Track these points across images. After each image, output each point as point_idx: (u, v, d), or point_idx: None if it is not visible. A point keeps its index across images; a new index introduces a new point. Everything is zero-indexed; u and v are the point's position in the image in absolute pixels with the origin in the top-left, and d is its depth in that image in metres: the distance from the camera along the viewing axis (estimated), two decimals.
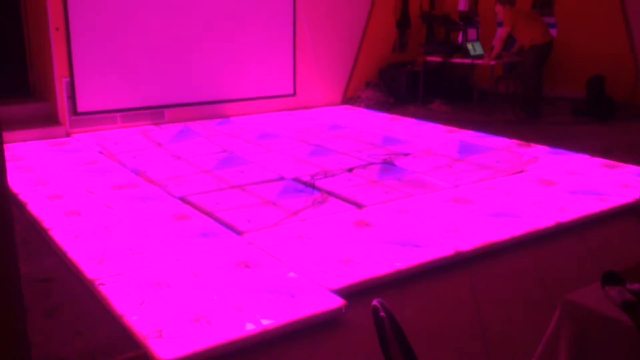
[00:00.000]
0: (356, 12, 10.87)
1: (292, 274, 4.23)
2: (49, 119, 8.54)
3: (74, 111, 8.42)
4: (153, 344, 3.38)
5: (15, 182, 6.18)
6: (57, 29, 8.15)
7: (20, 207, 5.55)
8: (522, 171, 6.69)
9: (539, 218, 5.31)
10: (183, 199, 5.74)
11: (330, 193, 5.90)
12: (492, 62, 9.99)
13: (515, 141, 8.10)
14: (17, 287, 2.28)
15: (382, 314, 1.95)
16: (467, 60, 10.44)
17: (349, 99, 11.02)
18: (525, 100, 9.74)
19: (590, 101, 9.72)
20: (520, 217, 5.32)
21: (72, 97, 8.37)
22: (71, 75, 8.31)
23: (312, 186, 6.07)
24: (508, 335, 3.67)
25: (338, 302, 3.86)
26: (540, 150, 7.63)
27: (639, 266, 2.60)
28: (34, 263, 4.48)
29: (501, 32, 9.90)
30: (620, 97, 9.73)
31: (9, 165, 6.65)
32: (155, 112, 9.04)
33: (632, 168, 6.83)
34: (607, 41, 9.95)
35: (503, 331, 3.72)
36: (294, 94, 10.34)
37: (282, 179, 6.35)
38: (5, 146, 7.53)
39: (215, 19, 9.28)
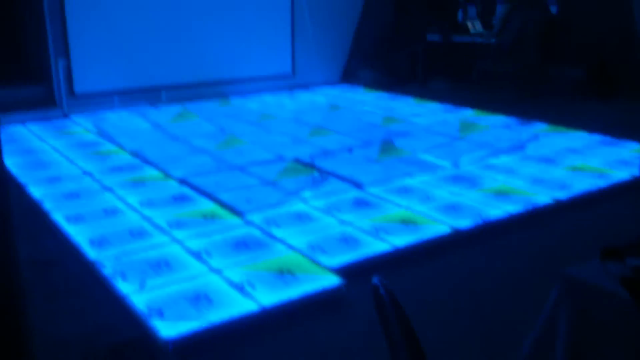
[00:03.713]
0: None
1: (292, 254, 4.23)
2: (46, 101, 8.49)
3: (70, 93, 8.39)
4: (154, 324, 3.39)
5: (14, 164, 6.18)
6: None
7: (20, 189, 5.55)
8: (521, 149, 6.68)
9: (538, 196, 5.31)
10: (182, 180, 5.73)
11: (329, 173, 5.89)
12: (492, 40, 9.93)
13: (515, 119, 8.09)
14: (17, 270, 2.28)
15: (381, 292, 1.95)
16: (467, 39, 10.38)
17: (348, 78, 10.98)
18: (525, 78, 9.69)
19: (591, 78, 9.67)
20: (520, 195, 5.32)
21: (68, 79, 8.33)
22: (67, 57, 8.27)
23: (312, 166, 6.06)
24: (507, 312, 3.68)
25: (338, 281, 3.87)
26: (540, 128, 7.61)
27: (637, 241, 2.60)
28: (34, 245, 4.48)
29: (501, 10, 9.84)
30: (622, 73, 9.68)
31: (7, 148, 6.65)
32: (153, 93, 9.01)
33: (631, 144, 6.81)
34: (609, 17, 9.87)
35: (502, 308, 3.73)
36: (293, 73, 10.30)
37: (281, 159, 6.34)
38: (3, 128, 7.48)
39: None
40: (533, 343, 2.70)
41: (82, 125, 7.93)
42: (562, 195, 5.35)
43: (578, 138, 7.17)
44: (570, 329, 2.47)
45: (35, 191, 5.50)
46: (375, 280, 1.98)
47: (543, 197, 5.28)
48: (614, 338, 2.37)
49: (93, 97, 8.57)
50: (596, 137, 7.16)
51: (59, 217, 4.92)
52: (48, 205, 5.16)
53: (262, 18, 9.77)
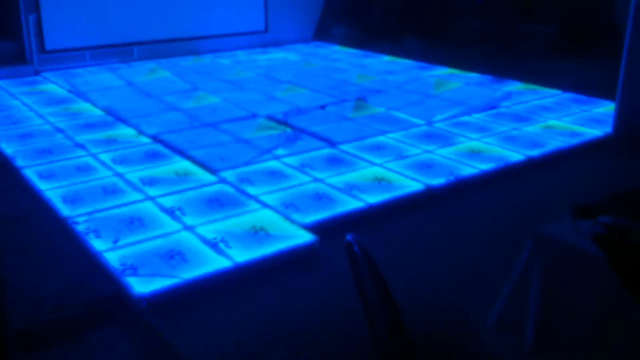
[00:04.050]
0: None
1: (265, 211, 4.23)
2: (17, 57, 8.34)
3: (42, 49, 8.24)
4: (128, 281, 3.38)
5: None
6: None
7: None
8: (494, 107, 6.70)
9: (511, 153, 5.34)
10: (155, 137, 5.68)
11: (303, 130, 5.87)
12: None
13: (488, 77, 8.08)
14: None
15: (355, 248, 1.96)
16: None
17: (321, 35, 10.88)
18: (499, 35, 9.66)
19: (565, 35, 9.66)
20: (493, 153, 5.35)
21: (39, 35, 8.17)
22: (38, 12, 8.10)
23: (285, 123, 6.04)
24: (480, 269, 3.72)
25: (311, 238, 3.89)
26: (513, 86, 7.62)
27: (609, 199, 2.63)
28: (7, 202, 4.44)
29: None
30: (596, 30, 9.65)
31: None
32: (124, 49, 8.87)
33: (604, 103, 6.84)
34: None
35: (475, 265, 3.77)
36: (266, 30, 10.18)
37: (254, 116, 6.30)
38: None
39: None
40: (505, 300, 2.74)
41: (53, 82, 7.80)
42: (535, 153, 5.38)
43: (551, 96, 7.20)
44: (542, 286, 2.51)
45: (7, 148, 5.42)
46: (349, 237, 1.99)
47: (516, 155, 5.31)
48: (585, 294, 2.41)
49: (64, 54, 8.41)
50: (569, 95, 7.19)
51: (31, 173, 4.86)
52: (20, 162, 5.09)
53: None
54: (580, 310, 2.43)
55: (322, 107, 6.64)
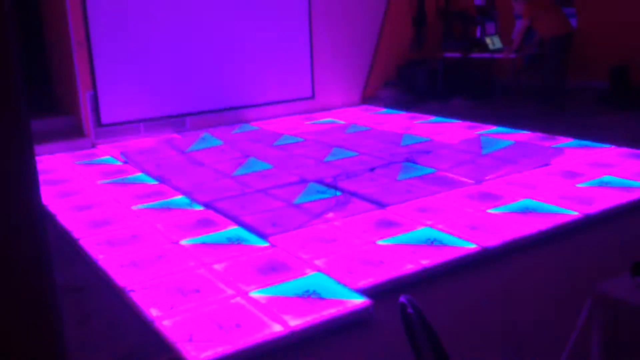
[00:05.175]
0: (372, 10, 10.84)
1: (318, 275, 4.23)
2: (74, 132, 8.66)
3: (98, 123, 8.53)
4: (183, 348, 3.40)
5: (44, 194, 6.22)
6: (79, 42, 8.24)
7: (50, 218, 5.62)
8: (546, 164, 6.63)
9: (566, 211, 5.26)
10: (207, 205, 5.77)
11: (352, 193, 5.90)
12: (512, 56, 9.91)
13: (538, 134, 8.03)
14: (55, 298, 2.32)
15: (409, 310, 1.95)
16: (487, 55, 10.38)
17: (368, 99, 11.00)
18: (548, 93, 9.64)
19: (615, 90, 9.60)
20: (547, 211, 5.28)
21: (95, 109, 8.47)
22: (94, 88, 8.41)
23: (335, 187, 6.07)
24: (538, 329, 3.65)
25: (364, 301, 3.86)
26: (565, 142, 7.55)
27: None
28: (65, 272, 4.53)
29: (520, 25, 9.82)
30: None
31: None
32: (177, 120, 9.11)
33: None
34: (629, 28, 9.81)
35: (533, 326, 3.69)
36: (313, 96, 10.35)
37: (304, 181, 6.36)
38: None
39: (232, 26, 9.31)
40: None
41: (109, 154, 8.03)
42: (590, 209, 5.29)
43: (605, 151, 7.09)
44: (603, 345, 2.44)
45: (65, 219, 5.57)
46: (402, 298, 1.98)
47: (570, 212, 5.23)
48: None
49: (119, 127, 8.69)
50: (624, 150, 7.08)
51: (88, 244, 4.97)
52: (78, 233, 5.22)
53: (281, 44, 9.84)
54: None
55: (371, 169, 6.67)
